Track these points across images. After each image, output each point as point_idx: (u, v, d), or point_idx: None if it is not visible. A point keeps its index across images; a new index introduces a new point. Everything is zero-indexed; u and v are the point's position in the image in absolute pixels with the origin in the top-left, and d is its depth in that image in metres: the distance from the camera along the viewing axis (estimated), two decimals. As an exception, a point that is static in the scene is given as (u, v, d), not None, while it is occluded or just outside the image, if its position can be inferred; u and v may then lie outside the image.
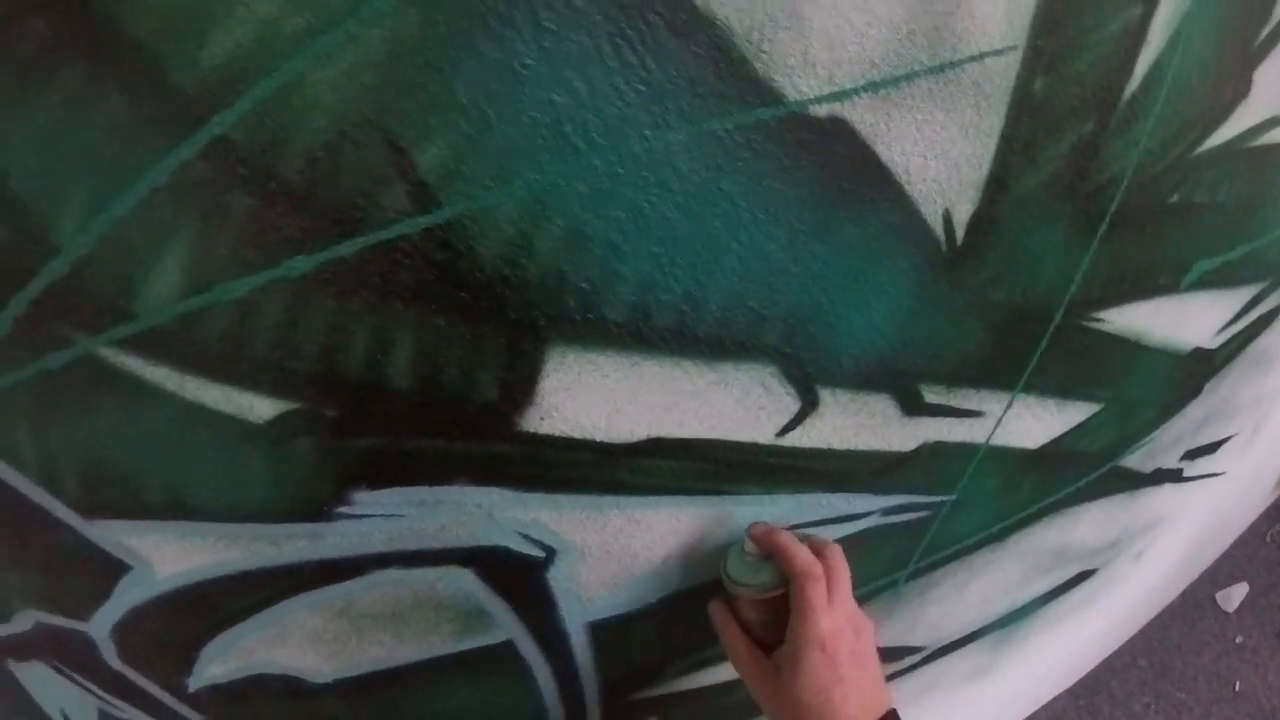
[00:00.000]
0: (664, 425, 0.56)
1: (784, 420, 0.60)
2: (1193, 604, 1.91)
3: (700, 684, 0.79)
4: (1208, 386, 0.95)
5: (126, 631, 0.59)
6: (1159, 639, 1.86)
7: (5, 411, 0.49)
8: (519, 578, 0.60)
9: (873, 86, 0.49)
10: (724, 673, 0.78)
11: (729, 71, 0.45)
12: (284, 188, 0.42)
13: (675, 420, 0.56)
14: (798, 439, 0.61)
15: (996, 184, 0.57)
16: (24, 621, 0.61)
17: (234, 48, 0.38)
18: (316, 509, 0.53)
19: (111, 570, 0.55)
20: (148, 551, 0.54)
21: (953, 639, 1.00)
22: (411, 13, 0.39)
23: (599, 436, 0.54)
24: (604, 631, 0.67)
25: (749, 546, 0.61)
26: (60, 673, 0.65)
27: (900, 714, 0.58)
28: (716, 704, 0.82)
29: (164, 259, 0.43)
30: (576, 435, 0.54)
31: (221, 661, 0.60)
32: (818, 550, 0.60)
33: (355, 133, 0.41)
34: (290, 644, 0.60)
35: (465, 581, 0.59)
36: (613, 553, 0.62)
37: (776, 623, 0.59)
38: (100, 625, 0.59)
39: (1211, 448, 1.10)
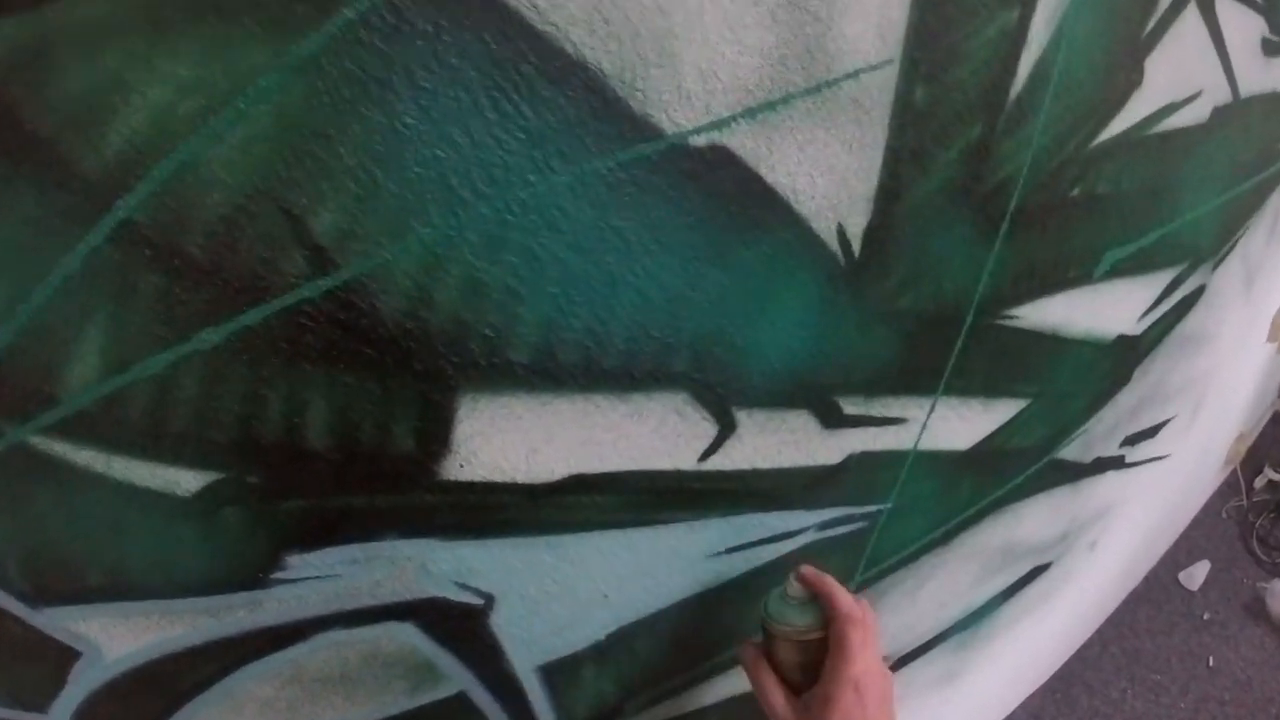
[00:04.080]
0: (583, 461, 0.56)
1: (704, 445, 0.60)
2: (1157, 587, 1.94)
3: (660, 718, 0.78)
4: (1137, 372, 0.96)
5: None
6: (1128, 625, 1.89)
7: None
8: (462, 627, 0.60)
9: (750, 113, 0.50)
10: (686, 703, 0.78)
11: (605, 111, 0.46)
12: (188, 263, 0.43)
13: (594, 455, 0.56)
14: (721, 462, 0.62)
15: (888, 195, 0.58)
16: None
17: (132, 134, 0.40)
18: (252, 576, 0.53)
19: (64, 658, 0.54)
20: (95, 635, 0.53)
21: (912, 647, 1.01)
22: (296, 86, 0.41)
23: (520, 478, 0.55)
24: (556, 674, 0.67)
25: (792, 589, 0.62)
26: None
27: None
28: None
29: (82, 343, 0.44)
30: (497, 479, 0.54)
31: None
32: (854, 599, 0.62)
33: (251, 205, 0.43)
34: (245, 716, 0.59)
35: (409, 636, 0.59)
36: (552, 593, 0.62)
37: (810, 664, 0.61)
38: (59, 716, 0.58)
39: (1151, 432, 1.12)
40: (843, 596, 0.60)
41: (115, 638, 0.54)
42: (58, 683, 0.55)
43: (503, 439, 0.53)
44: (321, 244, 0.44)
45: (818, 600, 0.61)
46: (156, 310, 0.44)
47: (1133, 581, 1.80)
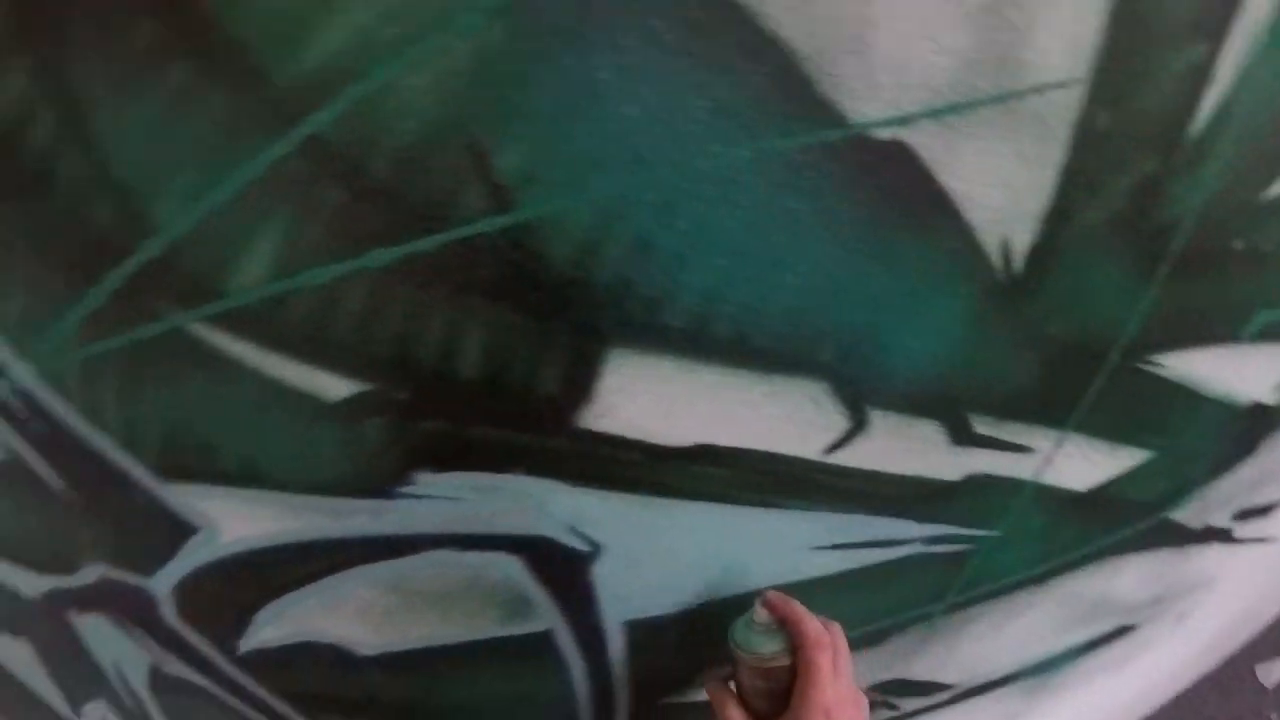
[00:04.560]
0: (715, 433, 0.57)
1: (832, 438, 0.61)
2: (1231, 675, 1.82)
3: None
4: (1264, 444, 0.92)
5: (187, 590, 0.64)
6: (1192, 706, 1.77)
7: (95, 378, 0.54)
8: (564, 570, 0.63)
9: (935, 113, 0.50)
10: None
11: (794, 92, 0.47)
12: (371, 184, 0.46)
13: (726, 429, 0.57)
14: (845, 458, 0.62)
15: (1057, 216, 0.57)
16: (90, 575, 0.66)
17: (331, 52, 0.43)
18: (380, 486, 0.57)
19: (180, 531, 0.60)
20: (216, 515, 0.59)
21: (985, 680, 0.99)
22: (498, 26, 0.43)
23: (651, 439, 0.57)
24: (640, 632, 0.68)
25: (759, 615, 0.62)
26: (119, 626, 0.70)
27: None
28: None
29: (255, 245, 0.48)
30: (630, 435, 0.56)
31: (275, 626, 0.65)
32: (824, 624, 0.62)
33: (440, 136, 0.45)
34: (342, 615, 0.64)
35: (512, 569, 0.63)
36: (656, 555, 0.63)
37: (777, 692, 0.61)
38: (163, 583, 0.64)
39: (1264, 510, 1.07)
40: (809, 623, 0.60)
41: (235, 521, 0.59)
42: (169, 553, 0.62)
43: (643, 398, 0.54)
44: (503, 182, 0.47)
45: (785, 627, 0.61)
46: (333, 224, 0.47)
47: (1210, 663, 1.71)
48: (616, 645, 0.69)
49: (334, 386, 0.53)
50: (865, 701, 0.63)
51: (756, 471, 0.60)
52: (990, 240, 0.56)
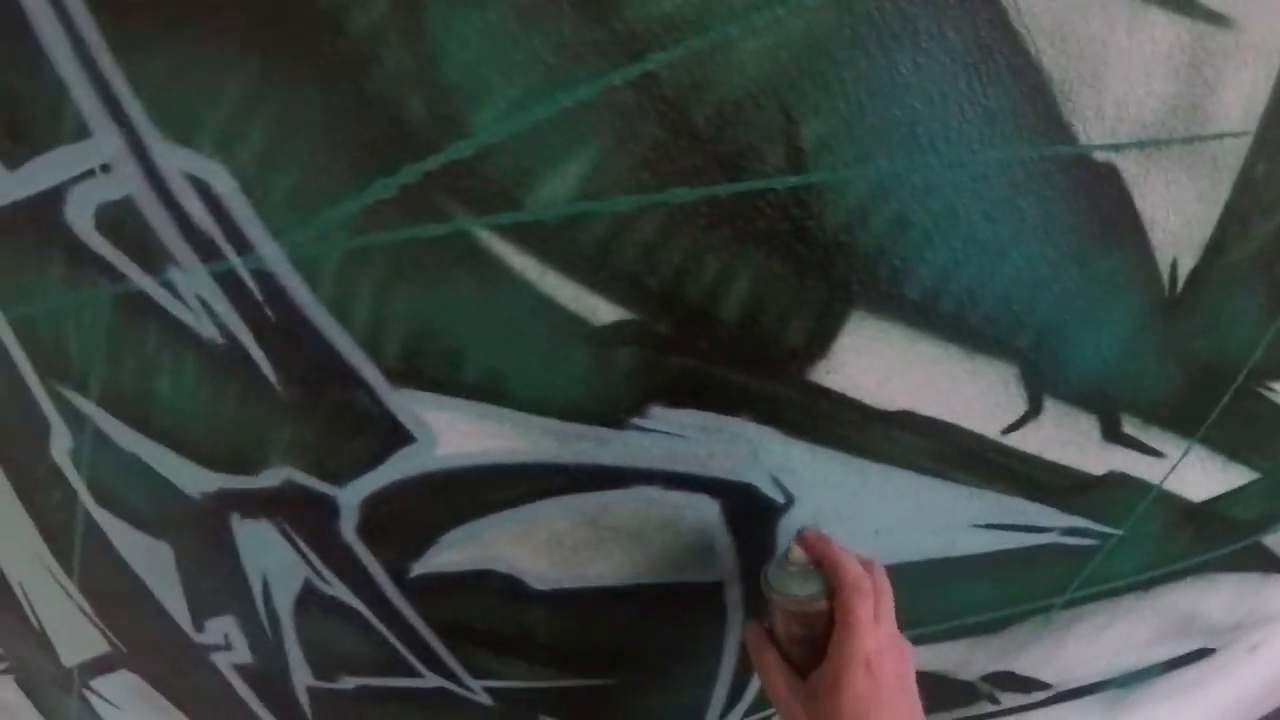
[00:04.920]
0: (920, 401, 0.65)
1: (1010, 420, 0.69)
2: None
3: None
4: (1354, 483, 1.00)
5: (379, 504, 0.64)
6: None
7: (355, 270, 0.55)
8: (757, 520, 0.68)
9: (1140, 144, 0.60)
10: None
11: (1043, 110, 0.56)
12: (690, 128, 0.51)
13: (930, 398, 0.65)
14: (1016, 441, 0.70)
15: (1215, 247, 0.67)
16: (273, 477, 0.65)
17: (686, 4, 0.49)
18: (615, 415, 0.60)
19: (394, 440, 0.61)
20: (439, 428, 0.60)
21: (1078, 684, 1.05)
22: (830, 12, 0.50)
23: (866, 399, 0.64)
24: None
25: (795, 555, 0.59)
26: (284, 536, 0.69)
27: None
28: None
29: (566, 165, 0.51)
30: (850, 393, 0.63)
31: (457, 550, 0.67)
32: (865, 566, 0.59)
33: (760, 97, 0.51)
34: (530, 544, 0.66)
35: (709, 513, 0.67)
36: (841, 514, 0.70)
37: (814, 639, 0.58)
38: (354, 493, 0.64)
39: (1344, 548, 1.14)
40: (849, 564, 0.57)
41: (457, 435, 0.60)
42: (373, 462, 0.62)
43: (869, 359, 0.62)
44: (803, 147, 0.53)
45: (822, 568, 0.58)
46: (647, 158, 0.51)
47: (1272, 703, 1.76)
48: (779, 606, 0.75)
49: (602, 311, 0.56)
50: (909, 648, 0.59)
51: (946, 443, 0.68)
52: (1164, 261, 0.66)
